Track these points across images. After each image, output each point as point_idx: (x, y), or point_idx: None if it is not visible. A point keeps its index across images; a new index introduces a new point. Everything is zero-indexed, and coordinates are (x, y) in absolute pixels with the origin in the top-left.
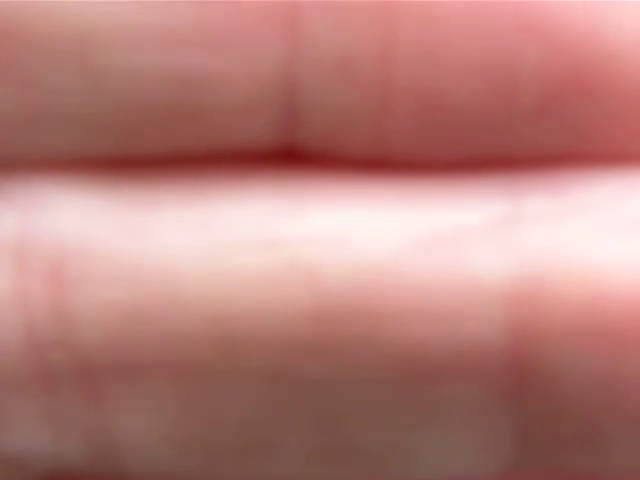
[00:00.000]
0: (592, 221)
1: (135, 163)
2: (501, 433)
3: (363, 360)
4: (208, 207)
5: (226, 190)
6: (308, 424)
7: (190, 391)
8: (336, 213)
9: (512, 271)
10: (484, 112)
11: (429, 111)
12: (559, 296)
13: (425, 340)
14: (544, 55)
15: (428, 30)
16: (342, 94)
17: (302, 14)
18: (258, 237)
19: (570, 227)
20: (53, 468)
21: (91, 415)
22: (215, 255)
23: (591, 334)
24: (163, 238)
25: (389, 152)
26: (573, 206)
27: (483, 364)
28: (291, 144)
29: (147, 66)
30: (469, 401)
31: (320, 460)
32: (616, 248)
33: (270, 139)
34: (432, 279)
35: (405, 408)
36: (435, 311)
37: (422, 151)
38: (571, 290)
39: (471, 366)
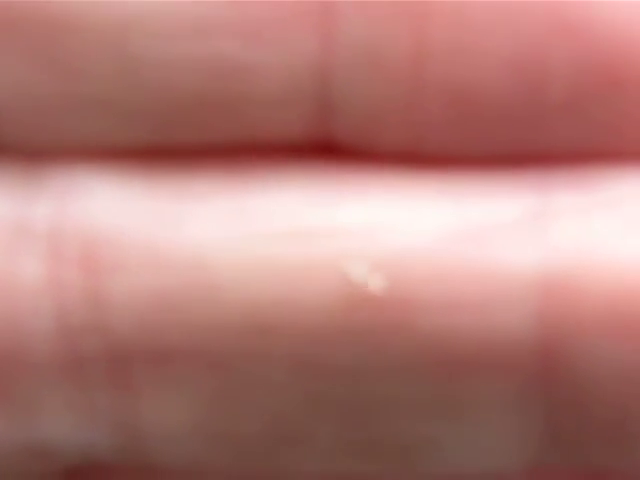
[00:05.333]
0: (620, 216)
1: (170, 152)
2: (529, 425)
3: (394, 350)
4: (242, 197)
5: (260, 181)
6: (338, 414)
7: (220, 380)
8: (370, 205)
9: (542, 264)
10: (514, 107)
11: (460, 106)
12: (588, 289)
13: (455, 331)
14: (574, 51)
15: (460, 26)
16: (375, 88)
17: (337, 8)
18: (291, 228)
19: (599, 222)
20: (82, 457)
21: (121, 403)
22: (248, 245)
23: (619, 327)
24: (197, 227)
25: (421, 146)
26: (602, 201)
27: (512, 355)
28: (325, 136)
29: (184, 56)
30: (498, 392)
31: (350, 451)
32: None
33: (304, 131)
34: (463, 271)
35: (434, 398)
36: (466, 303)
37: (454, 145)
38: (599, 283)
39: (500, 357)
